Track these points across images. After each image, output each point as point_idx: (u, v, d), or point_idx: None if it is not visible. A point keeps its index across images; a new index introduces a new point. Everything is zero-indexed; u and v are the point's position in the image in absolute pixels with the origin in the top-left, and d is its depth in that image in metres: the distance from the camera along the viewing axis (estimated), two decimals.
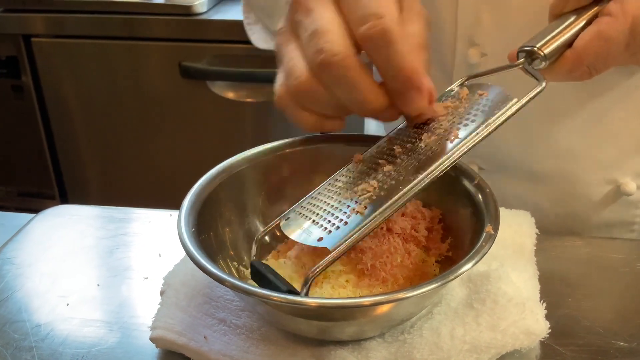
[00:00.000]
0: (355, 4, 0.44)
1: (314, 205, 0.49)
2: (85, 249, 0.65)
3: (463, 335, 0.48)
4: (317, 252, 0.52)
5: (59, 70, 1.63)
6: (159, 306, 0.53)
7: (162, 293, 0.55)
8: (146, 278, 0.60)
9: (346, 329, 0.49)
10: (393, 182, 0.46)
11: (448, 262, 0.53)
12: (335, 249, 0.44)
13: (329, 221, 0.46)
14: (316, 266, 0.44)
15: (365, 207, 0.45)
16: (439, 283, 0.44)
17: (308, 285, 0.44)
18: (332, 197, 0.48)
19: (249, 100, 1.57)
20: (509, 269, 0.53)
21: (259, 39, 0.80)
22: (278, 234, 0.58)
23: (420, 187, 0.45)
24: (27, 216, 0.72)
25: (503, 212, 0.55)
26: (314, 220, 0.47)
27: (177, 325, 0.51)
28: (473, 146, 0.46)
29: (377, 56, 0.44)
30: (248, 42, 0.83)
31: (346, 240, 0.44)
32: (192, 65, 1.53)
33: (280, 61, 0.49)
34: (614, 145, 0.66)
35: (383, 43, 0.43)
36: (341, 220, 0.45)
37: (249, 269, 0.50)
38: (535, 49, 0.48)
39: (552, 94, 0.64)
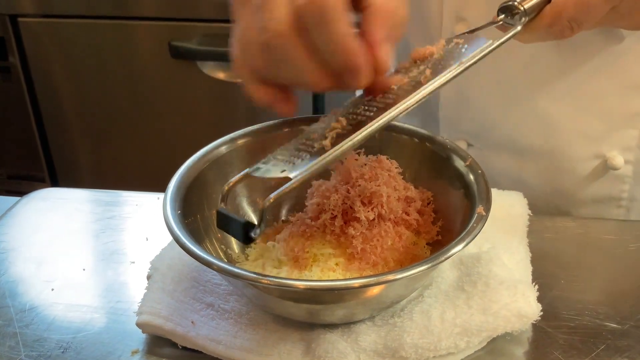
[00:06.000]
0: None
1: (285, 149, 0.47)
2: (71, 233, 0.64)
3: (454, 318, 0.47)
4: (306, 235, 0.52)
5: (47, 51, 1.60)
6: (146, 291, 0.52)
7: (149, 277, 0.54)
8: (133, 262, 0.59)
9: (336, 312, 0.48)
10: (362, 118, 0.45)
11: (439, 245, 0.52)
12: (295, 177, 0.42)
13: (295, 157, 0.45)
14: (272, 194, 0.42)
15: (331, 141, 0.44)
16: (429, 265, 0.43)
17: (264, 215, 0.42)
18: (302, 140, 0.47)
19: (239, 80, 1.55)
20: (500, 250, 0.53)
21: None
22: (268, 217, 0.58)
23: (388, 119, 0.43)
24: (12, 199, 0.71)
25: (495, 193, 0.54)
26: (282, 160, 0.46)
27: (163, 310, 0.50)
28: (444, 84, 0.45)
29: (314, 33, 0.41)
30: None
31: (307, 170, 0.42)
32: (181, 44, 1.51)
33: (233, 26, 0.47)
34: (599, 118, 0.65)
35: (319, 21, 0.40)
36: (306, 154, 0.44)
37: (216, 218, 0.47)
38: (515, 3, 0.48)
39: (534, 60, 0.63)
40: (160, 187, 0.65)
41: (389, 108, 0.44)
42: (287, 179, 0.42)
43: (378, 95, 0.46)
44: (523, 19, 0.49)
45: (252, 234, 0.43)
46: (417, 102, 0.44)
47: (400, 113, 0.44)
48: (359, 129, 0.43)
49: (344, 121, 0.45)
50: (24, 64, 1.63)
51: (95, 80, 1.61)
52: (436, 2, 0.65)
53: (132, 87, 1.60)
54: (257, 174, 0.46)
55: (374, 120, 0.43)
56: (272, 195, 0.42)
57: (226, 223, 0.46)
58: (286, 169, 0.44)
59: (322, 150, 0.43)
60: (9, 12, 1.57)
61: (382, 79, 0.45)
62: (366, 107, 0.46)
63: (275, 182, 0.44)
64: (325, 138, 0.44)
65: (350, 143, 0.43)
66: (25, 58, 1.62)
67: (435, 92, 0.45)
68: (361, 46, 0.42)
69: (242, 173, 0.48)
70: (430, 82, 0.45)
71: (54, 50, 1.60)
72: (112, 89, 1.62)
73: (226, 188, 0.48)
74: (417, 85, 0.45)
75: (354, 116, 0.45)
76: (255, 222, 0.43)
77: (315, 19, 0.40)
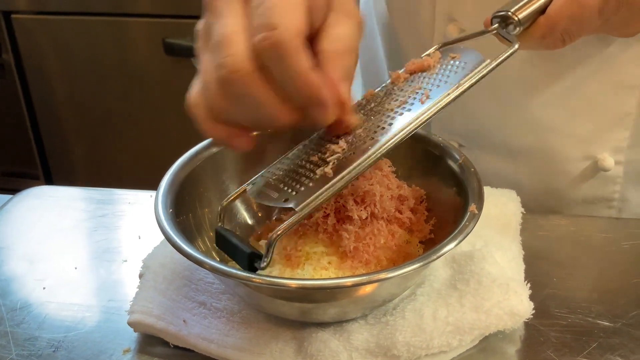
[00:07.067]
0: (256, 9, 0.41)
1: (282, 169, 0.48)
2: (63, 231, 0.64)
3: (446, 316, 0.47)
4: (299, 234, 0.51)
5: (41, 48, 1.60)
6: (137, 289, 0.52)
7: (141, 276, 0.54)
8: (125, 260, 0.59)
9: (328, 311, 0.48)
10: (363, 142, 0.45)
11: (432, 243, 0.52)
12: (300, 209, 0.43)
13: (296, 183, 0.45)
14: (279, 227, 0.42)
15: (333, 168, 0.44)
16: (422, 263, 0.43)
17: (272, 247, 0.42)
18: (301, 161, 0.47)
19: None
20: (493, 248, 0.53)
21: None
22: (260, 215, 0.58)
23: (388, 147, 0.44)
24: (5, 197, 0.70)
25: (488, 191, 0.54)
26: (281, 183, 0.46)
27: (155, 309, 0.50)
28: (444, 107, 0.45)
29: (274, 70, 0.40)
30: None
31: (312, 201, 0.43)
32: (176, 42, 1.50)
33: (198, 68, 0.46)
34: (590, 120, 0.66)
35: (276, 57, 0.40)
36: (309, 181, 0.44)
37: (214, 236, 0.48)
38: (510, 13, 0.48)
39: (528, 65, 0.63)
40: (154, 185, 0.65)
41: (391, 131, 0.44)
42: (291, 210, 0.43)
43: (340, 133, 0.46)
44: (517, 29, 0.48)
45: (259, 266, 0.43)
46: (418, 126, 0.44)
47: (403, 139, 0.44)
48: (360, 155, 0.44)
49: (344, 145, 0.45)
50: (18, 61, 1.62)
51: (89, 77, 1.61)
52: (428, 2, 0.65)
53: (126, 84, 1.60)
54: (258, 199, 0.46)
55: (376, 147, 0.44)
56: (281, 229, 0.42)
57: (228, 246, 0.46)
58: (289, 197, 0.44)
59: (325, 179, 0.43)
60: (2, 8, 1.56)
61: (346, 118, 0.44)
62: (366, 128, 0.46)
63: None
64: (327, 164, 0.44)
65: (354, 172, 0.43)
66: (19, 55, 1.62)
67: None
68: (324, 81, 0.41)
69: (239, 189, 0.49)
70: (433, 105, 0.45)
71: (48, 47, 1.60)
72: (106, 86, 1.61)
73: (224, 204, 0.49)
74: (416, 106, 0.45)
75: (354, 139, 0.45)
76: (254, 224, 0.43)
77: (273, 55, 0.40)
